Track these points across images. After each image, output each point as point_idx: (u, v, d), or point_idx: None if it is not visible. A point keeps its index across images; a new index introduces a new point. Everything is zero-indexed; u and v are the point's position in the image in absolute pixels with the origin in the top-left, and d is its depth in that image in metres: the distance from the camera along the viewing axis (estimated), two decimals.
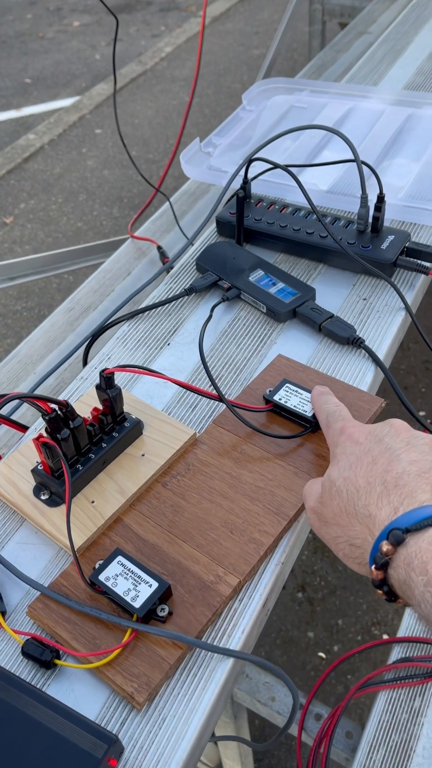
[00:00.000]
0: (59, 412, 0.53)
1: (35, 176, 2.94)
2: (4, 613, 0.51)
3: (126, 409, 0.60)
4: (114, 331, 0.75)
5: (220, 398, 0.61)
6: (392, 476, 0.43)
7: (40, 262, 1.39)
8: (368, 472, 0.45)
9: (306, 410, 0.60)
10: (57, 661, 0.47)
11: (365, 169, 0.73)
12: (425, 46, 1.29)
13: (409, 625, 0.93)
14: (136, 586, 0.48)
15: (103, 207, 2.72)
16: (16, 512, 0.57)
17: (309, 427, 0.60)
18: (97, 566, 0.50)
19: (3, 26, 4.21)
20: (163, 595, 0.48)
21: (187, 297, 0.77)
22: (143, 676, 0.46)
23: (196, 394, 0.66)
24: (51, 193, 2.82)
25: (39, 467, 0.56)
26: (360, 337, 0.69)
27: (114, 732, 0.44)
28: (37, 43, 3.98)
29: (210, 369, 0.69)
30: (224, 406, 0.63)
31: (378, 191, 0.74)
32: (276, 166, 0.76)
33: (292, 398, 0.61)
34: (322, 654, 1.45)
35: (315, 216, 0.80)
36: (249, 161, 0.78)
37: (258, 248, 0.83)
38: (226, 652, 0.47)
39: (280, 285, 0.74)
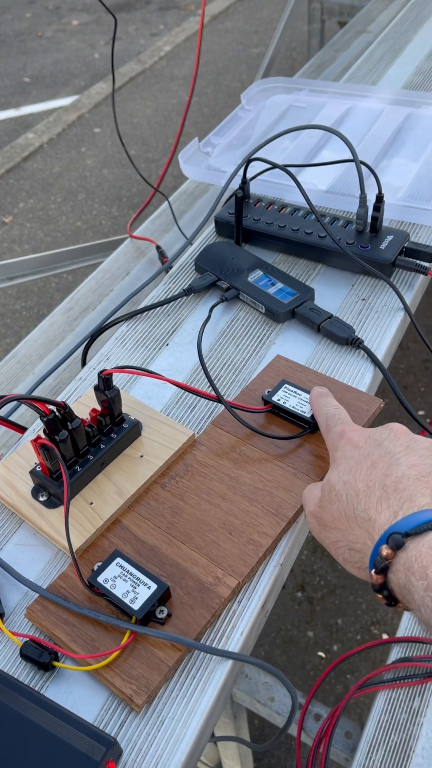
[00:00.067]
0: (57, 414, 0.53)
1: (34, 175, 2.94)
2: (2, 615, 0.50)
3: (124, 410, 0.60)
4: (113, 332, 0.75)
5: (218, 399, 0.61)
6: (392, 480, 0.43)
7: (39, 261, 1.39)
8: (368, 476, 0.45)
9: (305, 411, 0.60)
10: (55, 663, 0.47)
11: (364, 168, 0.73)
12: (424, 46, 1.28)
13: (408, 624, 0.93)
14: (135, 587, 0.48)
15: (102, 206, 2.71)
16: (14, 514, 0.57)
17: (308, 427, 0.60)
18: (95, 568, 0.50)
19: (2, 25, 4.21)
20: (162, 596, 0.48)
21: (185, 297, 0.77)
22: (142, 678, 0.46)
23: (194, 395, 0.66)
24: (50, 192, 2.82)
25: (37, 469, 0.56)
26: (359, 338, 0.69)
27: (112, 734, 0.44)
28: (36, 42, 3.98)
29: (209, 370, 0.69)
30: (223, 406, 0.63)
31: (377, 191, 0.73)
32: (274, 166, 0.76)
33: (290, 399, 0.61)
34: (321, 653, 1.45)
35: (314, 216, 0.80)
36: (248, 161, 0.78)
37: (257, 248, 0.83)
38: (225, 654, 0.47)
39: (279, 285, 0.74)
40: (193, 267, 0.81)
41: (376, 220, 0.75)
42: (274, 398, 0.61)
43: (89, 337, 0.77)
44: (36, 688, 0.47)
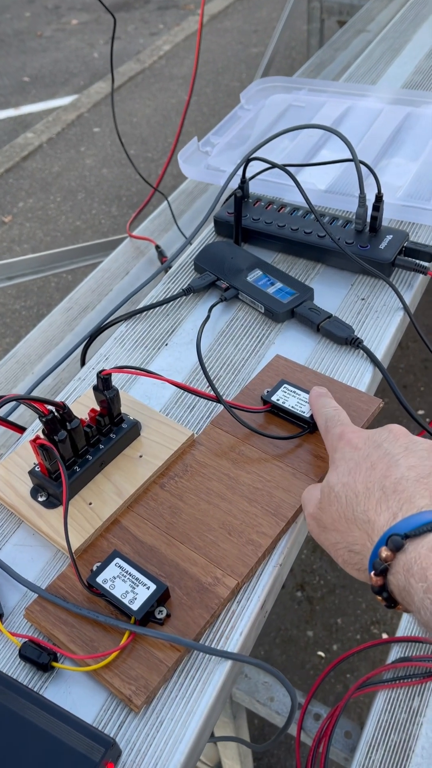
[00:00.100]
0: (56, 414, 0.53)
1: (34, 175, 2.93)
2: (1, 616, 0.50)
3: (123, 410, 0.60)
4: (112, 332, 0.75)
5: (217, 399, 0.61)
6: (391, 482, 0.43)
7: (38, 261, 1.39)
8: (367, 478, 0.45)
9: (304, 411, 0.60)
10: (54, 664, 0.47)
11: (363, 168, 0.73)
12: (423, 45, 1.28)
13: (408, 624, 0.93)
14: (134, 588, 0.48)
15: (101, 206, 2.71)
16: (13, 514, 0.57)
17: (307, 427, 0.60)
18: (94, 568, 0.50)
19: (1, 25, 4.20)
20: (161, 597, 0.48)
21: (184, 297, 0.77)
22: (141, 679, 0.46)
23: (194, 395, 0.65)
24: (49, 191, 2.82)
25: (36, 469, 0.56)
26: (358, 338, 0.69)
27: (111, 735, 0.44)
28: (36, 42, 3.98)
29: (208, 369, 0.68)
30: (222, 406, 0.63)
31: (376, 190, 0.73)
32: (274, 165, 0.76)
33: (290, 399, 0.61)
34: (321, 653, 1.45)
35: (313, 215, 0.80)
36: (247, 160, 0.78)
37: (256, 248, 0.83)
38: (224, 655, 0.47)
39: (278, 285, 0.74)
40: (193, 267, 0.81)
41: (376, 219, 0.75)
42: (274, 398, 0.61)
43: (88, 337, 0.77)
44: (35, 689, 0.47)
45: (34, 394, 0.81)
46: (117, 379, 0.68)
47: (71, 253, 1.43)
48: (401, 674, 0.85)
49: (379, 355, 0.68)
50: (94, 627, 0.48)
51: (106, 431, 0.58)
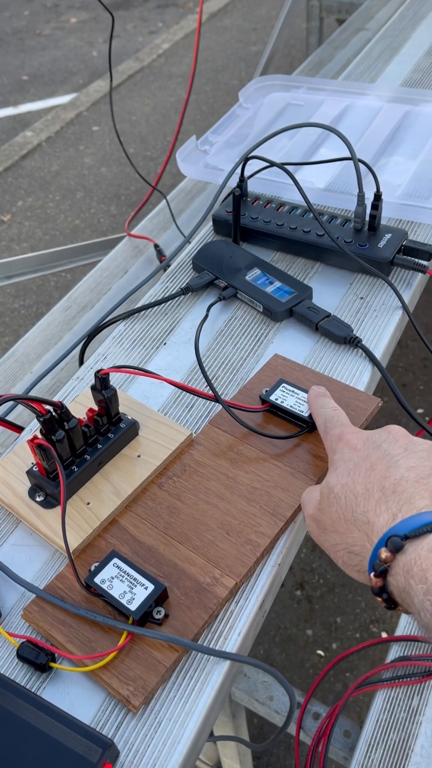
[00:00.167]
0: (54, 414, 0.52)
1: (32, 174, 2.93)
2: None
3: (122, 409, 0.60)
4: (110, 331, 0.75)
5: (216, 398, 0.61)
6: (390, 482, 0.43)
7: (37, 260, 1.39)
8: (366, 479, 0.44)
9: (302, 410, 0.60)
10: (52, 664, 0.47)
11: (362, 166, 0.73)
12: (422, 43, 1.28)
13: (407, 623, 0.93)
14: (132, 588, 0.48)
15: (100, 204, 2.71)
16: (11, 514, 0.57)
17: (305, 427, 0.60)
18: (92, 568, 0.50)
19: (0, 23, 4.20)
20: (159, 597, 0.48)
21: (183, 296, 0.77)
22: (139, 679, 0.45)
23: (192, 395, 0.65)
24: (48, 190, 2.82)
25: (34, 469, 0.56)
26: (357, 337, 0.69)
27: (109, 736, 0.44)
28: (34, 40, 3.97)
29: (206, 369, 0.68)
30: (221, 406, 0.63)
31: (375, 189, 0.73)
32: (272, 164, 0.76)
33: (288, 398, 0.61)
34: (320, 652, 1.45)
35: (312, 214, 0.80)
36: (245, 159, 0.78)
37: (254, 247, 0.83)
38: (223, 655, 0.47)
39: (277, 284, 0.74)
40: (191, 265, 0.81)
41: (374, 218, 0.75)
42: (272, 397, 0.61)
43: (86, 336, 0.76)
44: (33, 690, 0.47)
45: (33, 393, 0.81)
46: (115, 379, 0.68)
47: (70, 252, 1.43)
48: (400, 673, 0.85)
49: (378, 354, 0.68)
50: (92, 627, 0.48)
51: (105, 431, 0.58)
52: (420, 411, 1.89)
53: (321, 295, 0.75)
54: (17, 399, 0.51)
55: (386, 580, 0.40)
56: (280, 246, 0.81)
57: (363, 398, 0.62)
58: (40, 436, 0.53)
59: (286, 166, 0.74)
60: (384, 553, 0.40)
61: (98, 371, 0.55)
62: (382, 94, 1.03)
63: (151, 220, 1.39)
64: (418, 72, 1.19)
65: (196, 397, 0.65)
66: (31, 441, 0.52)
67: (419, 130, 0.95)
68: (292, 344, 0.70)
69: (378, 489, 0.43)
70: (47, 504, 0.55)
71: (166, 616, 0.48)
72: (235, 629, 0.49)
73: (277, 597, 1.54)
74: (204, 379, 0.64)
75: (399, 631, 0.91)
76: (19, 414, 0.91)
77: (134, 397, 0.65)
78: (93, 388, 0.56)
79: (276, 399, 0.61)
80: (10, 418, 0.77)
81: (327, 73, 1.65)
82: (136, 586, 0.48)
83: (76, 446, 0.55)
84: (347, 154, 0.72)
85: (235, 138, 0.98)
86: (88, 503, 0.55)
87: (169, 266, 0.83)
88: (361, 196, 0.74)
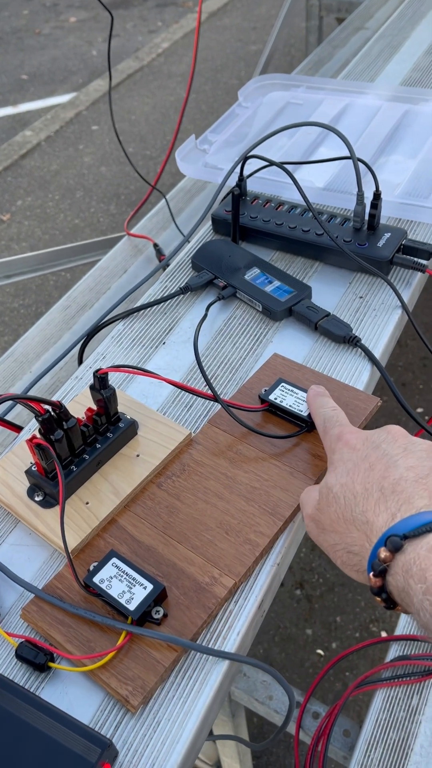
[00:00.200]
0: (52, 413, 0.52)
1: (32, 173, 2.93)
2: None
3: (120, 409, 0.60)
4: (109, 330, 0.75)
5: (215, 398, 0.61)
6: (389, 482, 0.43)
7: (37, 259, 1.38)
8: (365, 479, 0.44)
9: (302, 410, 0.60)
10: (51, 664, 0.47)
11: (361, 166, 0.73)
12: (422, 42, 1.28)
13: (407, 623, 0.93)
14: (131, 588, 0.48)
15: (100, 204, 2.71)
16: (10, 513, 0.57)
17: (305, 426, 0.60)
18: (91, 568, 0.50)
19: None
20: (158, 597, 0.48)
21: (182, 296, 0.77)
22: (138, 679, 0.45)
23: (191, 394, 0.65)
24: (48, 190, 2.82)
25: (33, 468, 0.56)
26: (356, 336, 0.68)
27: (108, 736, 0.44)
28: (34, 39, 3.97)
29: (205, 368, 0.68)
30: (220, 405, 0.63)
31: (374, 188, 0.73)
32: (271, 163, 0.76)
33: (287, 398, 0.61)
34: (320, 651, 1.45)
35: (311, 213, 0.79)
36: (244, 158, 0.78)
37: (254, 246, 0.83)
38: (222, 655, 0.47)
39: (276, 283, 0.74)
40: (190, 265, 0.81)
41: (374, 217, 0.75)
42: (271, 397, 0.61)
43: (85, 335, 0.76)
44: (31, 689, 0.47)
45: (32, 392, 0.81)
46: (114, 378, 0.68)
47: (69, 251, 1.43)
48: (400, 672, 0.85)
49: (377, 353, 0.68)
50: (90, 627, 0.48)
51: (103, 430, 0.58)
52: (419, 410, 1.89)
53: (320, 294, 0.75)
54: (16, 399, 0.50)
55: (385, 579, 0.40)
56: (280, 245, 0.81)
57: (362, 398, 0.62)
58: (38, 435, 0.53)
59: (286, 165, 0.74)
60: (383, 553, 0.39)
61: (97, 371, 0.55)
62: (382, 93, 1.03)
63: (151, 219, 1.38)
64: (418, 71, 1.18)
65: (195, 396, 0.65)
66: (30, 440, 0.52)
67: (418, 129, 0.95)
68: (291, 343, 0.70)
69: (377, 489, 0.43)
70: (46, 504, 0.55)
71: (165, 615, 0.48)
72: (234, 629, 0.49)
73: (277, 596, 1.54)
74: (203, 379, 0.64)
75: (399, 631, 0.91)
76: (18, 414, 0.91)
77: (133, 397, 0.65)
78: (92, 387, 0.56)
79: (275, 398, 0.61)
80: (9, 417, 0.77)
81: (326, 72, 1.65)
82: (134, 585, 0.48)
83: (74, 446, 0.55)
84: (346, 153, 0.72)
85: (234, 137, 0.98)
86: (87, 503, 0.55)
87: (168, 265, 0.83)
88: (360, 195, 0.74)
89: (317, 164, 0.89)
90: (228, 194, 0.86)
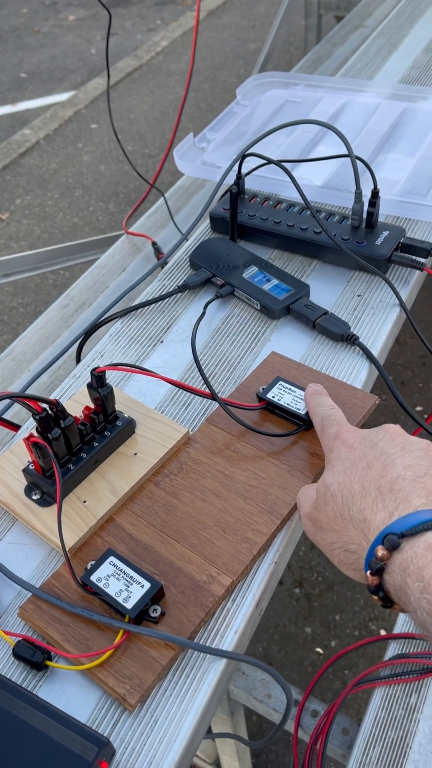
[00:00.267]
0: (50, 412, 0.52)
1: (31, 172, 2.93)
2: None
3: (118, 407, 0.60)
4: (107, 329, 0.75)
5: (212, 396, 0.61)
6: (387, 481, 0.43)
7: (35, 258, 1.38)
8: (363, 477, 0.44)
9: (299, 408, 0.59)
10: (48, 663, 0.47)
11: (360, 164, 0.72)
12: (420, 40, 1.28)
13: (405, 621, 0.93)
14: (128, 586, 0.48)
15: (99, 202, 2.71)
16: (7, 512, 0.57)
17: (302, 425, 0.60)
18: (89, 567, 0.50)
19: None
20: (156, 595, 0.48)
21: (180, 294, 0.77)
22: (135, 678, 0.45)
23: (189, 393, 0.65)
24: (47, 188, 2.81)
25: (30, 467, 0.56)
26: (354, 334, 0.68)
27: (105, 734, 0.44)
28: (33, 38, 3.96)
29: (203, 367, 0.68)
30: (217, 404, 0.63)
31: (372, 186, 0.73)
32: (269, 161, 0.75)
33: (285, 396, 0.61)
34: (319, 649, 1.45)
35: (309, 212, 0.79)
36: (242, 157, 0.78)
37: (252, 244, 0.82)
38: (219, 653, 0.47)
39: (274, 281, 0.74)
40: (188, 263, 0.80)
41: (372, 215, 0.75)
42: (269, 395, 0.61)
43: (83, 334, 0.76)
44: (29, 688, 0.46)
45: (30, 391, 0.81)
46: (112, 377, 0.68)
47: (68, 249, 1.43)
48: (399, 671, 0.85)
49: (375, 351, 0.68)
50: (88, 626, 0.48)
51: (101, 429, 0.58)
52: (418, 409, 1.89)
53: (318, 292, 0.75)
54: (13, 397, 0.50)
55: (383, 578, 0.40)
56: (278, 243, 0.81)
57: (360, 396, 0.62)
58: (36, 434, 0.53)
59: (284, 164, 0.74)
60: (380, 551, 0.39)
61: (94, 369, 0.55)
62: (380, 91, 1.03)
63: (149, 217, 1.38)
64: (416, 69, 1.18)
65: (193, 395, 0.65)
66: (27, 439, 0.52)
67: (417, 127, 0.95)
68: (289, 342, 0.70)
69: (375, 487, 0.43)
70: (43, 502, 0.55)
71: (163, 614, 0.48)
72: (232, 627, 0.49)
73: (276, 595, 1.54)
74: (201, 377, 0.64)
75: (397, 629, 0.91)
76: (17, 412, 0.91)
77: (131, 395, 0.65)
78: (89, 386, 0.56)
79: (273, 397, 0.61)
80: (7, 416, 0.77)
81: (325, 70, 1.64)
82: (132, 584, 0.48)
83: (72, 444, 0.55)
84: (345, 151, 0.72)
85: (232, 135, 0.98)
86: (85, 501, 0.55)
87: (166, 264, 0.83)
88: (358, 194, 0.74)
89: (315, 162, 0.89)
90: (226, 192, 0.86)
